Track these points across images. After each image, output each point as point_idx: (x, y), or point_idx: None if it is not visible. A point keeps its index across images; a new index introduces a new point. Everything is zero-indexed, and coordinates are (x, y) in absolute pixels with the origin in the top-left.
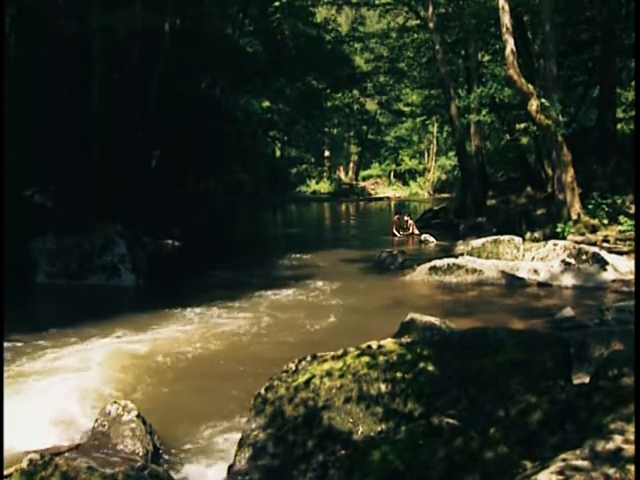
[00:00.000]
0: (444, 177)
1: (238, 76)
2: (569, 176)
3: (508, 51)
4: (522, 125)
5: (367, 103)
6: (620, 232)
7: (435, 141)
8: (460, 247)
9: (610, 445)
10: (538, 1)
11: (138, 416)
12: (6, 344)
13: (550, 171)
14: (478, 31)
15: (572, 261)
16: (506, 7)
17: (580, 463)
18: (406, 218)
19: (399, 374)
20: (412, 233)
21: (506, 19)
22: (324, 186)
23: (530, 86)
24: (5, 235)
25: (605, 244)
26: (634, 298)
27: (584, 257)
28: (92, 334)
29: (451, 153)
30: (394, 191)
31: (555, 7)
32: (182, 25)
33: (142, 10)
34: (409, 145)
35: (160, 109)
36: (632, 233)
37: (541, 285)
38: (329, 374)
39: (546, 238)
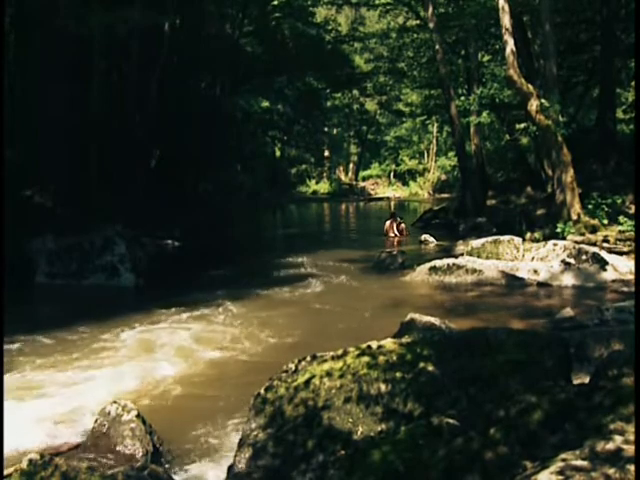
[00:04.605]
0: (444, 177)
1: (238, 76)
2: (569, 176)
3: (508, 51)
4: (522, 125)
5: (367, 103)
6: (620, 232)
7: (435, 141)
8: (460, 247)
9: (610, 445)
10: (538, 1)
11: (138, 416)
12: (6, 344)
13: (550, 171)
14: (478, 31)
15: (572, 261)
16: (506, 7)
17: (580, 463)
18: (399, 220)
19: (399, 374)
20: (395, 235)
21: (506, 19)
22: (324, 186)
23: (530, 86)
24: (5, 235)
25: (605, 244)
26: (634, 298)
27: (584, 257)
28: (91, 334)
29: (451, 153)
30: (394, 191)
31: (555, 7)
32: (182, 25)
33: (142, 10)
34: (409, 145)
35: (160, 109)
36: (632, 233)
37: (541, 285)
38: (329, 374)
39: (546, 238)
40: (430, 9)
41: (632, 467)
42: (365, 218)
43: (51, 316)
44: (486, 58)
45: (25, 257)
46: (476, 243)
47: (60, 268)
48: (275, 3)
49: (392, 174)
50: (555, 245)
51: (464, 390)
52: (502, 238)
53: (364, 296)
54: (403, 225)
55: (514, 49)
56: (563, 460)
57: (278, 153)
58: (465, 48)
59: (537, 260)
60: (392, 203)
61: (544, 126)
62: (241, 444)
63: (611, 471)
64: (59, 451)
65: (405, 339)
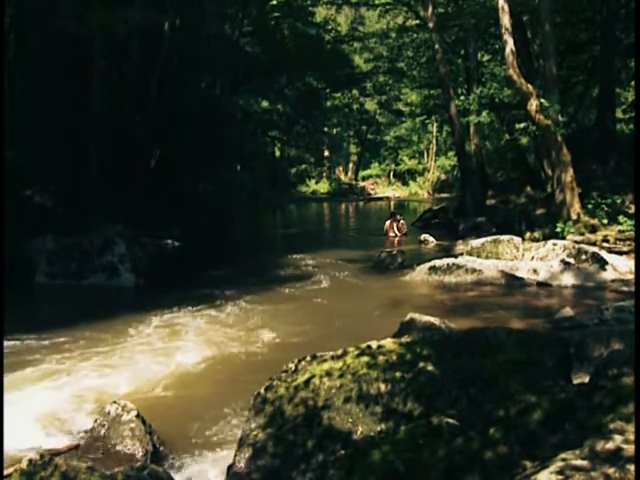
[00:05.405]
0: (444, 177)
1: (238, 76)
2: (568, 176)
3: (508, 51)
4: (522, 125)
5: (367, 103)
6: (620, 232)
7: (435, 141)
8: (460, 247)
9: (610, 445)
10: (538, 1)
11: (137, 416)
12: (6, 344)
13: (550, 171)
14: (478, 31)
15: (572, 261)
16: (505, 7)
17: (580, 463)
18: (399, 218)
19: (399, 374)
20: (395, 234)
21: (505, 19)
22: (324, 186)
23: (530, 86)
24: (5, 235)
25: (605, 244)
26: (634, 298)
27: (584, 257)
28: (91, 334)
29: (451, 153)
30: (394, 191)
31: (555, 7)
32: (182, 25)
33: (142, 10)
34: (409, 145)
35: (160, 109)
36: (632, 233)
37: (540, 285)
38: (329, 374)
39: (546, 238)
40: (430, 9)
41: (632, 467)
42: (365, 218)
43: (51, 316)
44: (486, 58)
45: (25, 257)
46: (476, 243)
47: (60, 268)
48: (274, 3)
49: (392, 174)
50: (555, 245)
51: (464, 390)
52: (502, 238)
53: (364, 296)
54: (402, 222)
55: (514, 49)
56: (563, 460)
57: (278, 153)
58: (465, 48)
59: (537, 260)
60: (392, 203)
61: (544, 126)
62: (241, 444)
63: (611, 471)
64: (59, 451)
65: (405, 339)
